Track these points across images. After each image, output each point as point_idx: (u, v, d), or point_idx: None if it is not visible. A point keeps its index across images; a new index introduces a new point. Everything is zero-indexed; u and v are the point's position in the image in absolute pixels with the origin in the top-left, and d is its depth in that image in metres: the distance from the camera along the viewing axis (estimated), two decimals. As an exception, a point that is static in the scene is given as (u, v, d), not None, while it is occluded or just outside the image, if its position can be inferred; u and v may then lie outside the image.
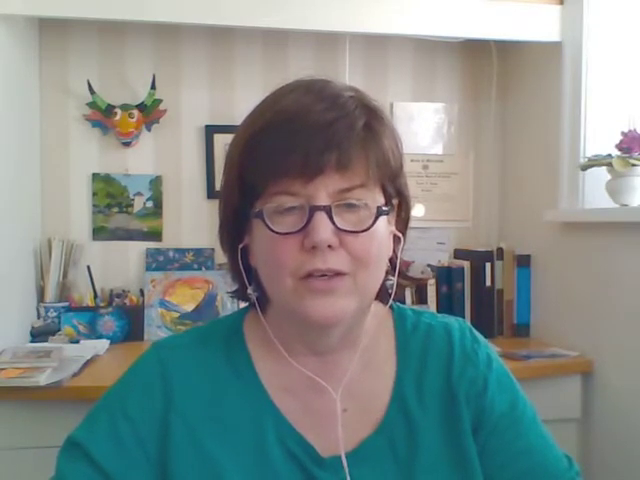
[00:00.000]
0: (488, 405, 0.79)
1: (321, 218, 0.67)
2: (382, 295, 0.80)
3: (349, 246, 0.69)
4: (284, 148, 0.68)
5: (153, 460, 0.75)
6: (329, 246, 0.68)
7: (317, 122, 0.68)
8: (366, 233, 0.70)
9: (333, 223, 0.68)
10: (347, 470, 0.74)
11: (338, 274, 0.69)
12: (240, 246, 0.77)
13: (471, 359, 0.81)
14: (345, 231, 0.69)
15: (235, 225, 0.76)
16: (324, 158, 0.67)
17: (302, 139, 0.68)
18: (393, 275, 0.78)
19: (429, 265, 2.16)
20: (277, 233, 0.69)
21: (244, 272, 0.77)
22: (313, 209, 0.68)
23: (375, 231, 0.71)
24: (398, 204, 0.78)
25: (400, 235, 0.79)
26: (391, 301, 0.81)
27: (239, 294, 0.83)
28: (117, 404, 0.77)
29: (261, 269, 0.74)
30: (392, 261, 0.78)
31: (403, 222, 0.80)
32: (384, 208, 0.72)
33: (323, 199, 0.68)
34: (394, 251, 0.78)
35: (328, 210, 0.68)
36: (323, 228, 0.67)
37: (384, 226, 0.73)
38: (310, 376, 0.76)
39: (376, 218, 0.70)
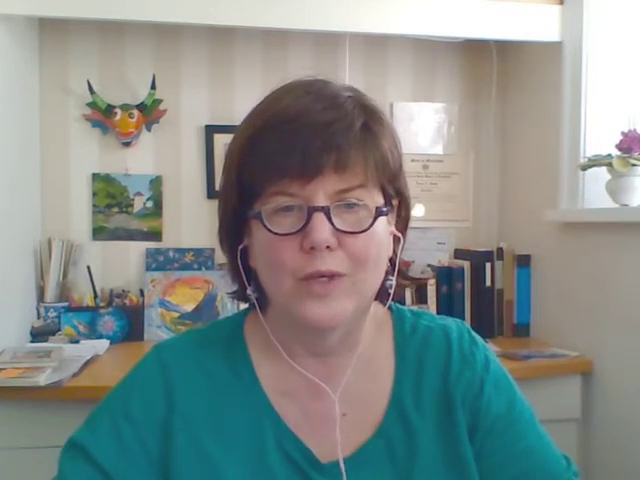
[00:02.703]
0: (484, 406, 0.78)
1: (320, 219, 0.67)
2: (382, 295, 0.79)
3: (348, 247, 0.68)
4: (282, 148, 0.68)
5: (155, 461, 0.74)
6: (328, 247, 0.67)
7: (315, 122, 0.68)
8: (365, 234, 0.69)
9: (332, 224, 0.67)
10: (345, 476, 0.74)
11: (337, 275, 0.68)
12: (240, 247, 0.76)
13: (468, 361, 0.80)
14: (344, 232, 0.68)
15: (234, 226, 0.75)
16: (322, 159, 0.67)
17: (300, 139, 0.67)
18: (393, 275, 0.78)
19: (429, 265, 2.16)
20: (276, 234, 0.68)
21: (244, 273, 0.77)
22: (311, 210, 0.67)
23: (374, 232, 0.70)
24: (398, 204, 0.77)
25: (400, 235, 0.78)
26: (390, 302, 0.80)
27: (239, 295, 0.82)
28: (119, 406, 0.77)
29: (261, 270, 0.74)
30: (392, 261, 0.77)
31: (403, 222, 0.79)
32: (383, 209, 0.71)
33: (321, 200, 0.67)
34: (394, 251, 0.77)
35: (326, 211, 0.67)
36: (321, 228, 0.66)
37: (383, 227, 0.72)
38: (309, 378, 0.76)
39: (375, 219, 0.70)
